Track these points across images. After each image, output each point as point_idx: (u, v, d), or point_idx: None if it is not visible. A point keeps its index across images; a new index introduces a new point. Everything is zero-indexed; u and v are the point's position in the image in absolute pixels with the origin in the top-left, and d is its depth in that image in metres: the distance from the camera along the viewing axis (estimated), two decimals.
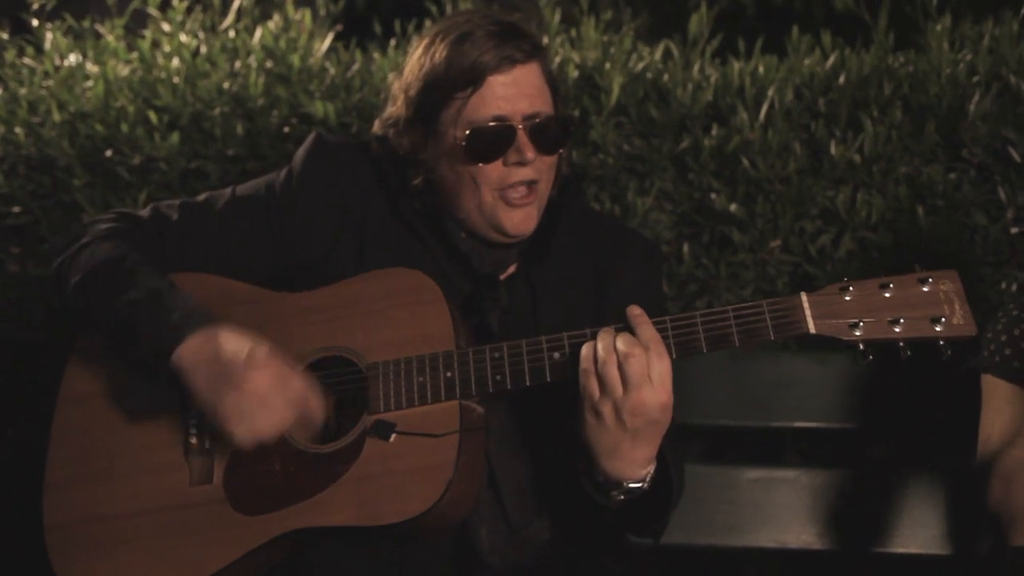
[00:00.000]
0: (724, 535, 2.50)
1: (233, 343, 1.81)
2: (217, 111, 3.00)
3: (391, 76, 2.07)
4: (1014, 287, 2.69)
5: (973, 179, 2.74)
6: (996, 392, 2.15)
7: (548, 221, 2.01)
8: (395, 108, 2.01)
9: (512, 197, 1.93)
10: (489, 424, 1.90)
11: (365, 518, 1.78)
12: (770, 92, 2.78)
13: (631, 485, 1.80)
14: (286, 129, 2.98)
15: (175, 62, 3.08)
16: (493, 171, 1.93)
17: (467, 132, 1.91)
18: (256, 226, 2.02)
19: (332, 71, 3.04)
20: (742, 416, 2.58)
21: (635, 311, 1.77)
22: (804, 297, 1.75)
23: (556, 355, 1.82)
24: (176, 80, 3.05)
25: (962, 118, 2.74)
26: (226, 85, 3.03)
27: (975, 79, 2.77)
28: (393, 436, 1.83)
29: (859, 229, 2.75)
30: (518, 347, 1.84)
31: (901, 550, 2.49)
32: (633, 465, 1.78)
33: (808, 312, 1.74)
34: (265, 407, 1.79)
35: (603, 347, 1.74)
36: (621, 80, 2.82)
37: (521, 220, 1.95)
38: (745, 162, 2.76)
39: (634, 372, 1.72)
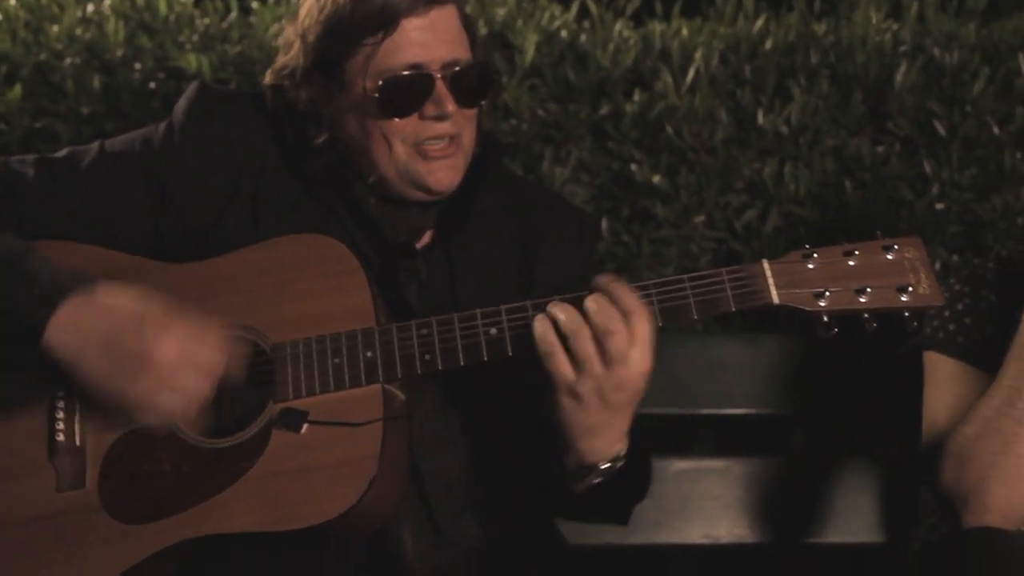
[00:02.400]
0: (651, 531, 2.44)
1: (121, 304, 1.58)
2: (68, 62, 2.75)
3: (284, 21, 1.90)
4: (938, 264, 2.68)
5: (899, 153, 2.76)
6: (941, 370, 2.12)
7: (468, 182, 1.87)
8: (290, 56, 1.84)
9: (431, 150, 1.80)
10: (412, 412, 1.74)
11: (273, 522, 1.61)
12: (696, 56, 2.72)
13: (605, 466, 1.69)
14: (151, 85, 2.75)
15: (12, 2, 2.81)
16: (408, 125, 1.79)
17: (379, 83, 1.76)
18: (132, 187, 1.82)
19: (206, 20, 2.80)
20: (667, 403, 2.49)
21: (602, 279, 1.64)
22: (766, 265, 1.67)
23: (493, 331, 1.69)
24: (17, 25, 2.78)
25: (888, 89, 2.74)
26: (78, 32, 2.78)
27: (901, 49, 2.79)
28: (305, 426, 1.67)
29: (786, 203, 2.72)
30: (449, 322, 1.70)
31: (835, 540, 2.45)
32: (612, 441, 1.67)
33: (771, 281, 1.66)
34: (181, 380, 1.60)
35: (568, 320, 1.60)
36: (536, 39, 2.71)
37: (445, 173, 1.81)
38: (669, 130, 2.69)
39: (618, 346, 1.59)
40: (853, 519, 2.45)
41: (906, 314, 1.64)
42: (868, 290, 1.63)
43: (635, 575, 2.62)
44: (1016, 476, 1.94)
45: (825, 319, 1.64)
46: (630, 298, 1.61)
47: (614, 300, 1.61)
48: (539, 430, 1.76)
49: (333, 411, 1.66)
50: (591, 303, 1.61)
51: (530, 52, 2.70)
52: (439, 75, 1.77)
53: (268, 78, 1.88)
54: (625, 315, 1.60)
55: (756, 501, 2.45)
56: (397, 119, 1.78)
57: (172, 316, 1.62)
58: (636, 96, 2.71)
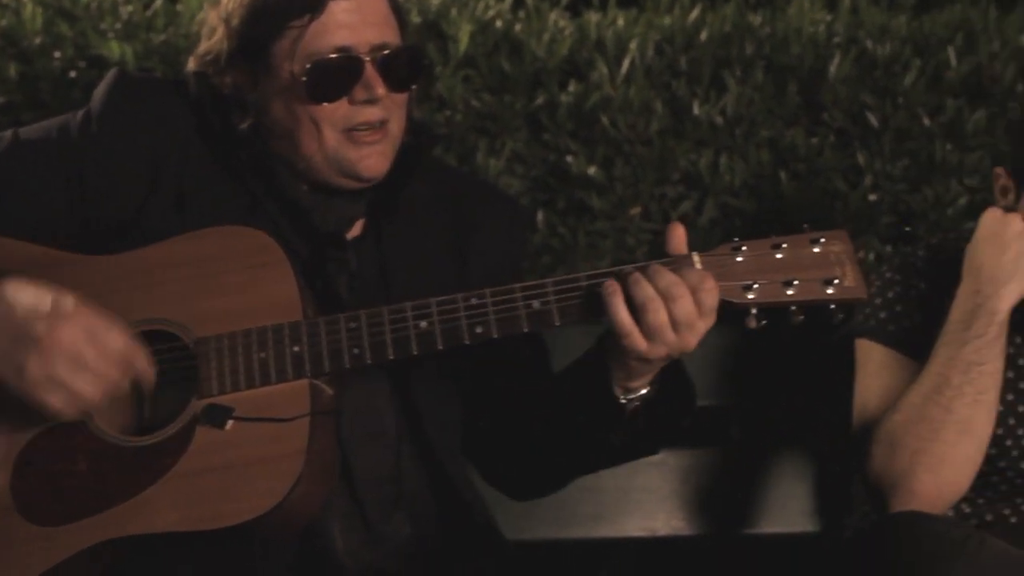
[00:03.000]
0: (589, 525, 2.44)
1: (28, 294, 1.57)
2: None
3: (207, 5, 1.86)
4: (872, 255, 2.72)
5: (833, 144, 2.79)
6: (872, 357, 2.15)
7: (399, 170, 1.85)
8: (213, 41, 1.81)
9: (360, 136, 1.78)
10: (341, 407, 1.72)
11: (197, 521, 1.58)
12: (631, 47, 2.72)
13: (646, 390, 1.69)
14: (72, 74, 2.69)
15: None
16: (337, 110, 1.76)
17: (307, 67, 1.74)
18: (48, 177, 1.78)
19: (129, 7, 2.76)
20: None
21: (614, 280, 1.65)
22: (696, 257, 1.67)
23: (423, 324, 1.67)
24: None
25: (822, 81, 2.77)
26: None
27: (835, 40, 2.82)
28: (230, 423, 1.64)
29: (722, 195, 2.74)
30: (378, 316, 1.68)
31: (771, 530, 2.48)
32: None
33: None
34: (82, 366, 1.56)
35: (641, 293, 1.60)
36: (470, 29, 2.70)
37: (374, 160, 1.79)
38: (604, 121, 2.69)
39: (684, 312, 1.60)
40: (789, 509, 2.48)
41: (832, 306, 1.67)
42: (795, 283, 1.65)
43: (573, 569, 2.61)
44: (943, 462, 1.97)
45: (753, 311, 1.66)
46: (667, 273, 1.63)
47: (663, 272, 1.62)
48: (540, 392, 1.78)
49: (259, 407, 1.64)
50: (653, 276, 1.61)
51: (464, 42, 2.68)
52: (368, 58, 1.75)
53: (191, 64, 1.85)
54: (678, 282, 1.61)
55: (693, 493, 2.47)
56: (326, 104, 1.75)
57: (81, 306, 1.58)
58: (571, 87, 2.71)
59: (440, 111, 2.70)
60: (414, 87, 1.83)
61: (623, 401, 1.69)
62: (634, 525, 2.44)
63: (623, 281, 1.62)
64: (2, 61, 2.69)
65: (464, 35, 2.68)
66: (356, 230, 1.87)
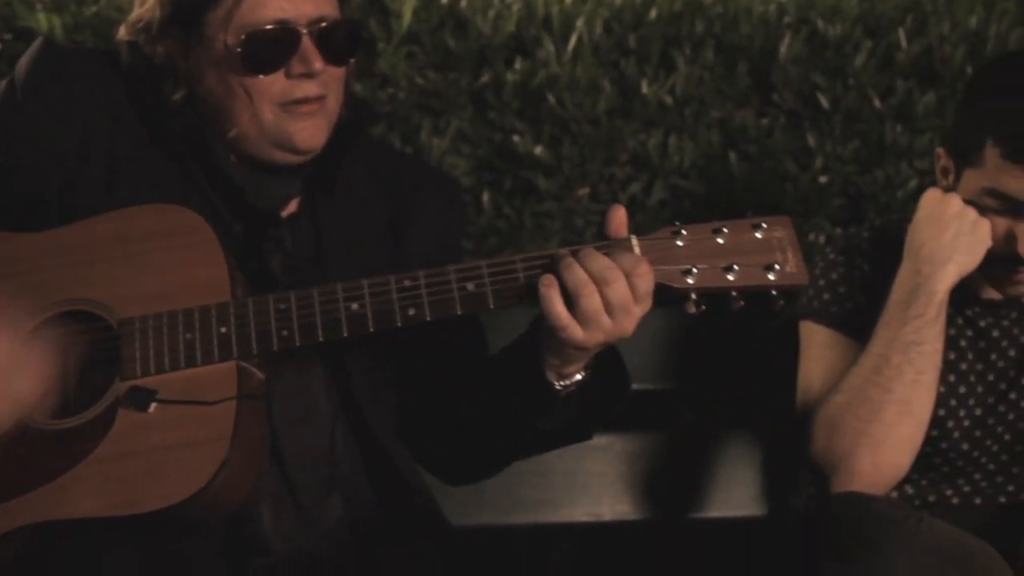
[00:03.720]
0: (535, 511, 2.45)
1: None
2: None
3: None
4: (823, 238, 2.73)
5: (784, 125, 2.81)
6: (815, 338, 2.17)
7: (335, 146, 1.83)
8: (145, 8, 1.78)
9: (297, 109, 1.76)
10: (272, 389, 1.71)
11: (119, 506, 1.56)
12: (578, 24, 2.70)
13: (581, 375, 1.68)
14: None
15: None
16: (273, 83, 1.74)
17: (242, 37, 1.72)
18: None
19: None
20: None
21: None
22: (635, 240, 1.67)
23: (355, 306, 1.65)
24: None
25: (772, 61, 2.78)
26: None
27: (785, 20, 2.82)
28: (153, 405, 1.61)
29: (671, 176, 2.74)
30: (308, 297, 1.66)
31: (718, 514, 2.50)
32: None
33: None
34: None
35: (573, 280, 1.59)
36: (413, 4, 2.68)
37: (311, 132, 1.77)
38: (551, 99, 2.68)
39: (618, 296, 1.58)
40: (736, 493, 2.49)
41: (773, 292, 1.66)
42: (736, 268, 1.64)
43: (518, 555, 2.62)
44: (883, 443, 1.99)
45: (693, 296, 1.65)
46: (599, 257, 1.61)
47: (595, 256, 1.60)
48: (470, 377, 1.77)
49: (184, 389, 1.61)
50: (585, 260, 1.59)
51: (407, 17, 2.66)
52: (305, 31, 1.73)
53: (122, 32, 1.81)
54: (611, 266, 1.59)
55: (639, 478, 2.48)
56: (262, 76, 1.73)
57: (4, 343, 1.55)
58: (518, 64, 2.70)
59: (383, 88, 2.68)
60: (352, 61, 1.81)
61: (558, 387, 1.68)
62: (580, 510, 2.44)
63: (557, 265, 1.61)
64: None
65: (408, 10, 2.66)
66: (292, 208, 1.85)
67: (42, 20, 2.61)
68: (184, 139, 1.78)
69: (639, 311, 1.62)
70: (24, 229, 1.71)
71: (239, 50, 1.72)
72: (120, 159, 1.77)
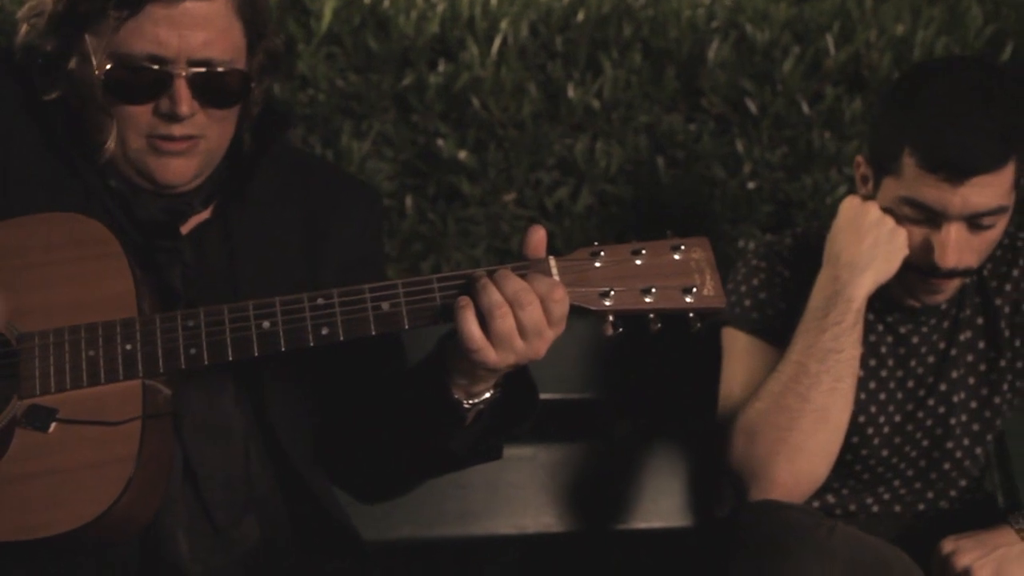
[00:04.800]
0: (456, 524, 2.45)
1: None
2: None
3: None
4: (751, 245, 2.77)
5: (712, 131, 2.84)
6: (736, 345, 2.21)
7: (243, 160, 1.83)
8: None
9: (163, 145, 1.72)
10: (181, 407, 1.70)
11: (20, 530, 1.54)
12: (503, 26, 2.71)
13: (489, 394, 1.70)
14: None
15: None
16: (141, 115, 1.71)
17: (112, 64, 1.68)
18: None
19: None
20: None
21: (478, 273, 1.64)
22: (552, 262, 1.68)
23: (266, 324, 1.64)
24: None
25: (701, 65, 2.81)
26: None
27: (714, 24, 2.85)
28: (54, 425, 1.59)
29: (598, 181, 2.76)
30: (218, 314, 1.65)
31: (643, 525, 2.51)
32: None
33: (556, 278, 1.67)
34: None
35: (487, 302, 1.60)
36: (334, 4, 2.66)
37: (175, 171, 1.74)
38: (476, 103, 2.68)
39: (531, 319, 1.60)
40: (661, 503, 2.51)
41: (690, 315, 1.69)
42: (653, 290, 1.67)
43: (440, 571, 2.62)
44: (800, 451, 2.03)
45: (610, 318, 1.67)
46: (512, 280, 1.62)
47: (509, 279, 1.62)
48: (383, 394, 1.77)
49: (87, 409, 1.59)
50: (500, 282, 1.61)
51: (327, 17, 2.65)
52: (182, 74, 1.69)
53: (21, 12, 1.76)
54: (528, 288, 1.61)
55: (563, 489, 2.49)
56: (128, 106, 1.70)
57: None
58: (441, 67, 2.70)
59: (303, 91, 2.66)
60: (236, 106, 1.77)
61: (465, 406, 1.69)
62: (504, 522, 2.45)
63: (473, 286, 1.62)
64: None
65: (328, 10, 2.65)
66: (202, 218, 1.83)
67: None
68: (71, 144, 1.75)
69: (552, 334, 1.64)
70: None
71: (107, 77, 1.68)
72: (14, 164, 1.74)
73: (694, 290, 1.68)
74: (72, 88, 1.73)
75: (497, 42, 2.71)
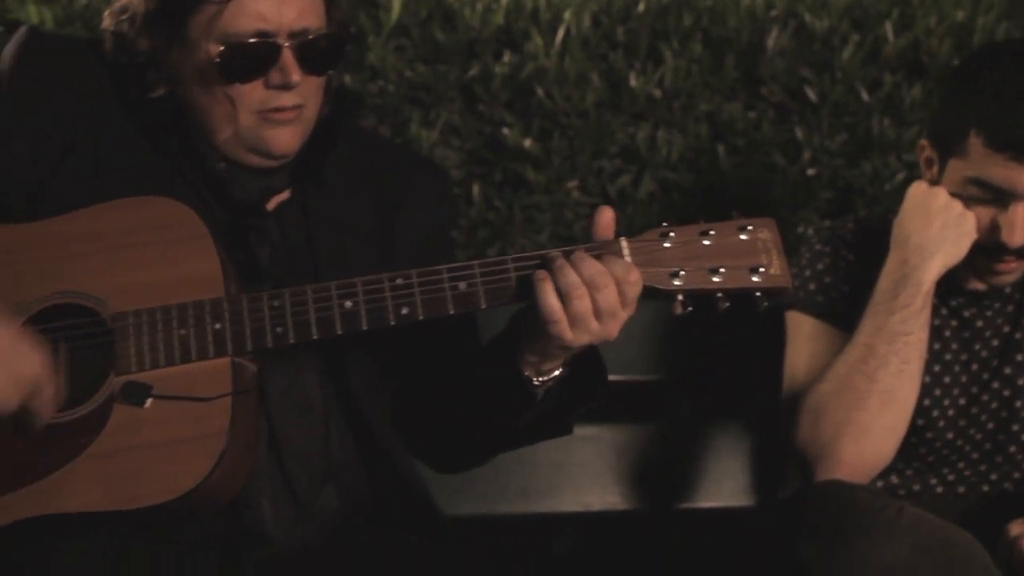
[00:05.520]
0: (522, 501, 2.47)
1: None
2: None
3: None
4: (810, 231, 2.76)
5: (772, 118, 2.82)
6: (801, 328, 2.20)
7: (320, 141, 1.85)
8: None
9: (275, 116, 1.77)
10: (266, 383, 1.73)
11: (117, 501, 1.58)
12: (566, 17, 2.72)
13: (559, 371, 1.71)
14: None
15: None
16: (252, 92, 1.75)
17: (222, 48, 1.72)
18: None
19: None
20: None
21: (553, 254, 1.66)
22: (624, 243, 1.69)
23: (348, 304, 1.67)
24: None
25: (760, 54, 2.79)
26: None
27: (772, 13, 2.83)
28: (149, 401, 1.63)
29: (659, 169, 2.75)
30: (302, 294, 1.68)
31: (706, 504, 2.53)
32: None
33: (629, 259, 1.69)
34: None
35: (565, 282, 1.62)
36: None
37: (286, 139, 1.78)
38: (540, 92, 2.69)
39: (607, 302, 1.62)
40: (724, 483, 2.52)
41: (757, 294, 1.69)
42: (722, 270, 1.68)
43: (508, 544, 2.64)
44: (867, 432, 2.02)
45: (680, 297, 1.68)
46: (590, 263, 1.64)
47: (586, 261, 1.63)
48: (459, 370, 1.79)
49: (179, 385, 1.63)
50: (578, 265, 1.62)
51: (396, 10, 2.66)
52: (286, 44, 1.73)
53: (107, 20, 1.81)
54: (605, 271, 1.62)
55: (627, 468, 2.50)
56: (240, 84, 1.74)
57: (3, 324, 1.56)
58: (506, 57, 2.71)
59: (372, 81, 2.68)
60: (332, 72, 1.82)
61: (535, 383, 1.71)
62: (569, 500, 2.47)
63: (549, 266, 1.64)
64: None
65: (397, 3, 2.66)
66: (282, 197, 1.86)
67: (32, 12, 2.60)
68: (168, 133, 1.79)
69: (625, 315, 1.65)
70: (11, 219, 1.71)
71: (218, 59, 1.72)
72: (106, 149, 1.77)
73: (761, 269, 1.68)
74: (178, 79, 1.77)
75: (560, 33, 2.71)
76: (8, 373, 1.55)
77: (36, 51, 1.78)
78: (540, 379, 1.71)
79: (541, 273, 1.64)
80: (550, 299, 1.62)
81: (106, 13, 1.81)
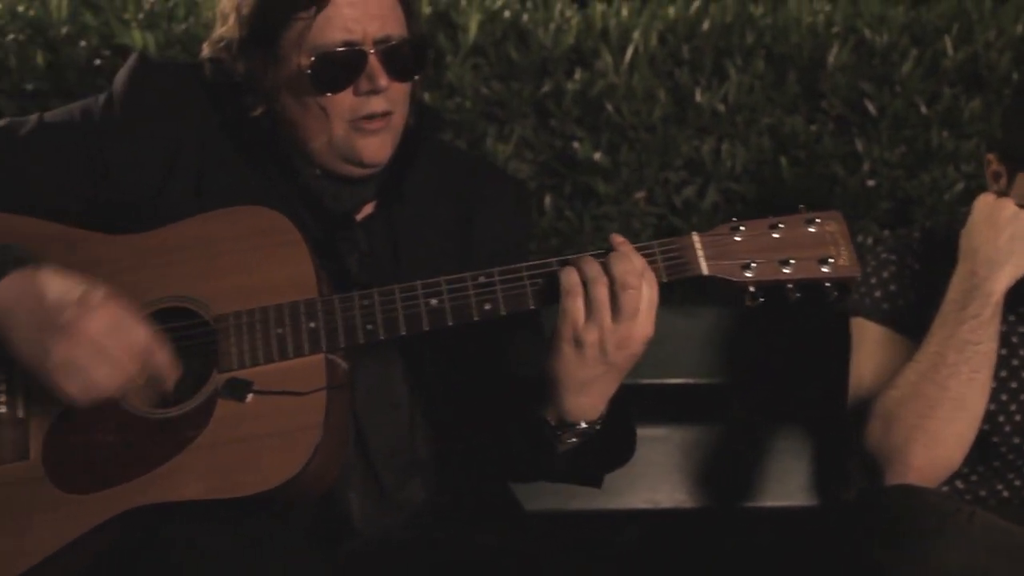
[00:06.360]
0: (596, 497, 2.43)
1: (60, 283, 1.59)
2: (11, 38, 2.70)
3: None
4: (870, 240, 2.73)
5: (832, 131, 2.79)
6: (867, 335, 2.17)
7: (405, 153, 1.88)
8: (226, 28, 1.83)
9: (366, 124, 1.80)
10: (355, 379, 1.75)
11: (221, 489, 1.61)
12: (634, 36, 2.72)
13: (583, 426, 1.70)
14: (97, 62, 2.71)
15: None
16: (343, 101, 1.79)
17: (312, 59, 1.76)
18: (72, 157, 1.81)
19: None
20: None
21: (618, 238, 1.68)
22: (695, 237, 1.70)
23: (434, 301, 1.70)
24: None
25: (821, 69, 2.78)
26: (21, 8, 2.73)
27: (833, 30, 2.82)
28: (250, 396, 1.66)
29: (723, 180, 2.75)
30: (390, 293, 1.71)
31: (771, 503, 2.51)
32: (596, 402, 1.69)
33: (700, 252, 1.69)
34: (103, 357, 1.59)
35: (591, 269, 1.64)
36: (479, 18, 2.70)
37: (377, 148, 1.82)
38: (609, 108, 2.70)
39: (630, 302, 1.62)
40: (788, 483, 2.50)
41: (827, 284, 1.68)
42: (792, 261, 1.67)
43: (580, 538, 2.64)
44: (937, 438, 1.99)
45: (751, 289, 1.68)
46: (638, 260, 1.65)
47: (631, 258, 1.63)
48: (509, 392, 1.78)
49: (276, 380, 1.66)
50: (612, 259, 1.64)
51: (473, 31, 2.69)
52: (372, 51, 1.77)
53: (206, 50, 1.87)
54: (641, 273, 1.62)
55: (695, 467, 2.49)
56: (331, 94, 1.77)
57: (109, 299, 1.61)
58: (577, 75, 2.72)
59: (450, 98, 2.70)
60: (417, 77, 1.85)
61: (554, 426, 1.71)
62: (640, 497, 2.47)
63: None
64: (30, 50, 2.69)
65: (473, 25, 2.69)
66: (368, 210, 1.89)
67: (137, 37, 2.66)
68: (264, 149, 1.83)
69: (643, 328, 1.64)
70: (117, 232, 1.77)
71: (310, 70, 1.76)
72: (207, 167, 1.82)
73: (830, 260, 1.67)
74: (273, 96, 1.81)
75: (629, 51, 2.71)
76: (120, 342, 1.59)
77: (144, 78, 1.84)
78: (564, 427, 1.70)
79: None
80: (572, 276, 1.64)
81: (205, 43, 1.87)
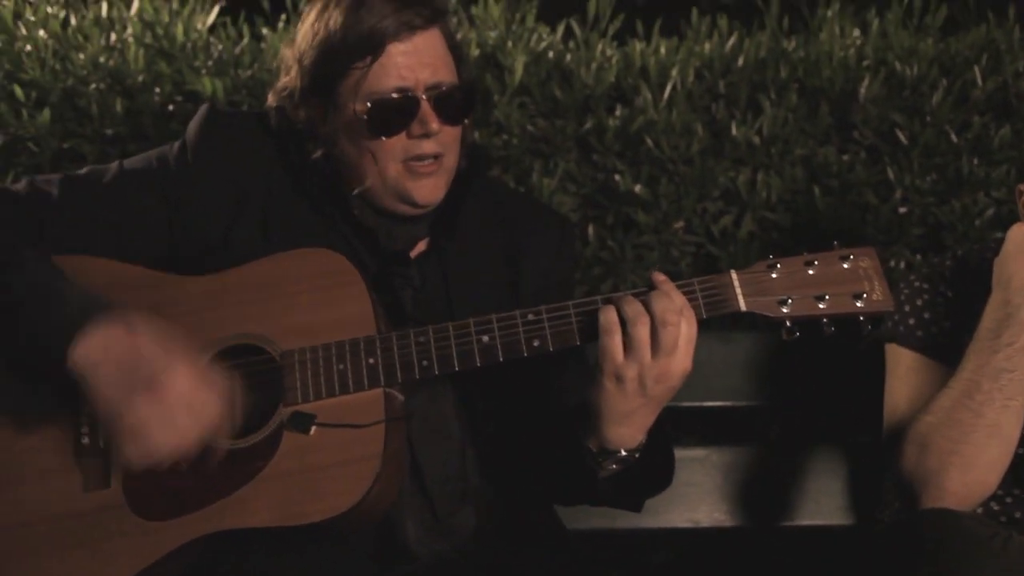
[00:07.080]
0: (638, 516, 2.44)
1: (145, 331, 1.62)
2: (93, 87, 2.78)
3: (283, 45, 1.93)
4: (903, 264, 2.73)
5: (864, 160, 2.79)
6: (901, 361, 2.16)
7: (456, 193, 1.92)
8: (289, 78, 1.88)
9: (418, 167, 1.84)
10: (410, 411, 1.79)
11: (288, 517, 1.65)
12: (673, 73, 2.74)
13: (624, 454, 1.73)
14: (170, 107, 2.79)
15: (42, 33, 2.81)
16: (396, 144, 1.83)
17: (368, 105, 1.80)
18: (150, 203, 1.86)
19: (220, 46, 2.83)
20: None
21: (659, 277, 1.69)
22: (734, 275, 1.71)
23: (485, 338, 1.73)
24: (46, 54, 2.80)
25: (853, 101, 2.78)
26: (102, 59, 2.81)
27: (864, 63, 2.82)
28: (313, 428, 1.70)
29: (759, 210, 2.75)
30: (444, 330, 1.74)
31: (807, 522, 2.50)
32: (636, 431, 1.71)
33: (739, 290, 1.71)
34: (172, 429, 1.62)
35: (631, 308, 1.65)
36: (524, 59, 2.74)
37: (429, 189, 1.85)
38: (649, 142, 2.72)
39: (669, 338, 1.63)
40: (823, 503, 2.49)
41: (861, 318, 1.69)
42: (827, 297, 1.68)
43: (623, 556, 2.65)
44: (972, 464, 1.96)
45: (788, 324, 1.69)
46: (679, 298, 1.66)
47: (671, 296, 1.65)
48: (554, 421, 1.80)
49: (338, 413, 1.70)
50: (653, 296, 1.65)
51: (519, 72, 2.73)
52: (424, 96, 1.81)
53: (271, 99, 1.92)
54: (680, 311, 1.64)
55: (734, 488, 2.49)
56: (385, 138, 1.81)
57: (189, 353, 1.65)
58: (618, 111, 2.74)
59: (498, 135, 2.74)
60: (467, 121, 1.89)
61: (596, 453, 1.73)
62: (679, 516, 2.47)
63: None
64: (110, 97, 2.77)
65: (519, 65, 2.73)
66: (420, 248, 1.93)
67: (207, 84, 2.72)
68: (324, 191, 1.87)
69: (681, 364, 1.66)
70: (190, 273, 1.82)
71: (366, 116, 1.80)
72: (272, 210, 1.87)
73: (864, 295, 1.68)
74: (332, 141, 1.85)
75: (667, 88, 2.74)
76: (193, 418, 1.63)
77: (214, 126, 1.89)
78: (605, 455, 1.73)
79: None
80: (611, 314, 1.66)
81: (270, 92, 1.93)
